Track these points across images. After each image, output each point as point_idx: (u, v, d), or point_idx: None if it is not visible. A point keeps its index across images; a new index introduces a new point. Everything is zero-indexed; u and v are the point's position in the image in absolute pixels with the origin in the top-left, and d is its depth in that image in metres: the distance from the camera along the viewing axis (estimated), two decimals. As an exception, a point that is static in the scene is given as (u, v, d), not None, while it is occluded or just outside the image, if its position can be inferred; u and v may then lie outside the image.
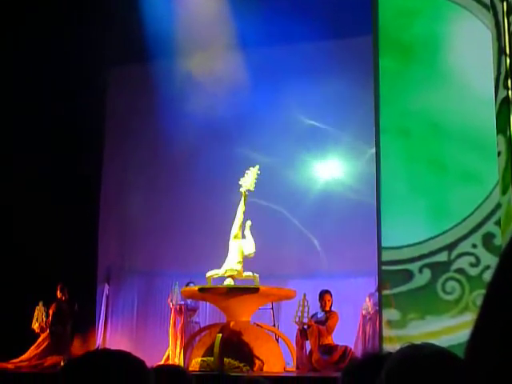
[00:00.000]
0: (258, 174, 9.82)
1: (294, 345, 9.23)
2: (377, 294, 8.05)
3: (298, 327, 9.11)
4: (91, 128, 12.15)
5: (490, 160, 6.41)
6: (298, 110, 12.15)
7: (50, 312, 10.43)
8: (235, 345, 8.78)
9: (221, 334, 8.76)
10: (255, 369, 8.62)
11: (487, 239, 6.55)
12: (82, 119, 11.75)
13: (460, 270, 6.61)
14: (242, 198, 9.80)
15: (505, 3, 6.40)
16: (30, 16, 11.79)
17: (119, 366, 1.49)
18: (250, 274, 9.56)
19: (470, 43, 6.92)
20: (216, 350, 8.62)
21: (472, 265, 6.57)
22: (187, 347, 9.88)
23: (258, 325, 9.57)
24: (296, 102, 12.03)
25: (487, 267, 6.44)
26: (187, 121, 11.79)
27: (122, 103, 13.02)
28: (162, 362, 9.47)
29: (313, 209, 11.82)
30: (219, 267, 9.65)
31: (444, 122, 6.90)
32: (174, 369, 2.93)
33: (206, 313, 11.86)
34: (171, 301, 10.70)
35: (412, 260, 6.76)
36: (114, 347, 1.71)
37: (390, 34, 7.28)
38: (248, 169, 9.95)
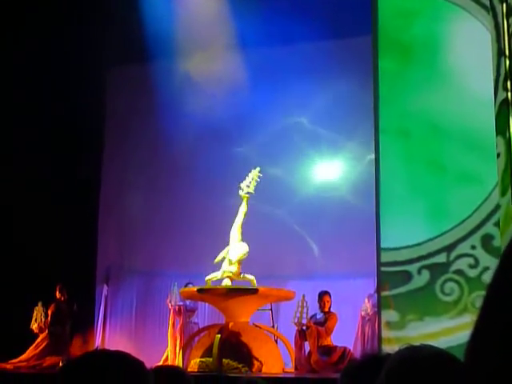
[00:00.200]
0: (259, 177, 9.81)
1: (293, 346, 9.22)
2: (376, 295, 8.05)
3: (296, 328, 9.11)
4: (91, 128, 12.15)
5: (489, 161, 6.42)
6: (298, 110, 12.15)
7: (49, 312, 10.43)
8: (234, 346, 8.78)
9: (220, 335, 8.76)
10: (254, 370, 8.62)
11: (486, 240, 6.55)
12: (81, 119, 11.76)
13: (459, 272, 6.61)
14: (244, 202, 9.77)
15: (504, 5, 6.40)
16: (29, 16, 11.79)
17: (118, 367, 1.49)
18: (247, 276, 9.55)
19: (469, 44, 6.93)
20: (215, 350, 8.61)
21: (471, 266, 6.57)
22: (186, 348, 9.87)
23: (256, 326, 9.57)
24: (295, 102, 12.04)
25: (486, 268, 6.44)
26: (187, 121, 11.79)
27: (122, 103, 13.02)
28: (161, 363, 9.47)
29: (312, 210, 11.82)
30: (219, 268, 9.66)
31: (443, 123, 6.90)
32: (173, 369, 2.93)
33: (205, 313, 11.85)
34: (170, 301, 10.70)
35: (411, 261, 6.76)
36: (112, 347, 1.70)
37: (390, 35, 7.29)
38: (248, 170, 9.94)
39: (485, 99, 6.53)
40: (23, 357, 10.15)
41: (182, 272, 11.43)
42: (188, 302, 10.70)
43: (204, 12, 11.81)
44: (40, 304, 10.53)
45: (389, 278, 6.85)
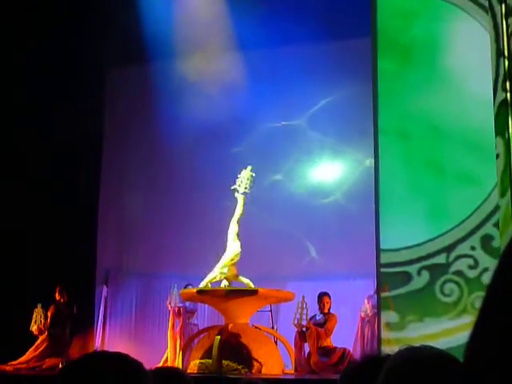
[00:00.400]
0: (252, 176, 9.80)
1: (293, 347, 9.22)
2: (375, 296, 8.05)
3: (296, 329, 9.10)
4: (90, 128, 12.15)
5: (488, 162, 6.42)
6: (297, 111, 12.15)
7: (49, 314, 10.42)
8: (234, 347, 8.77)
9: (219, 336, 8.75)
10: (254, 371, 8.61)
11: (486, 241, 6.55)
12: (81, 119, 11.77)
13: (458, 272, 6.61)
14: (240, 203, 9.76)
15: (503, 5, 6.40)
16: (29, 16, 11.80)
17: (117, 369, 1.49)
18: (243, 279, 9.55)
19: (468, 45, 6.93)
20: (214, 352, 8.61)
21: (470, 267, 6.57)
22: (186, 349, 9.86)
23: (256, 327, 9.56)
24: (294, 103, 12.04)
25: (486, 269, 6.44)
26: (186, 121, 11.78)
27: (122, 103, 13.02)
28: (161, 364, 9.46)
29: (312, 211, 11.82)
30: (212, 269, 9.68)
31: (443, 124, 6.90)
32: (173, 371, 2.93)
33: (205, 315, 11.85)
34: (170, 303, 10.69)
35: (410, 262, 6.76)
36: (112, 349, 1.70)
37: (389, 36, 7.29)
38: (240, 172, 9.93)
39: (484, 100, 6.53)
40: (23, 358, 10.14)
41: (182, 273, 11.42)
42: (188, 303, 10.70)
43: (203, 13, 11.81)
44: (39, 306, 10.52)
45: (388, 278, 6.85)
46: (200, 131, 11.83)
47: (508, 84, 6.22)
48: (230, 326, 8.98)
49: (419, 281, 6.70)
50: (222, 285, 9.51)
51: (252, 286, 9.48)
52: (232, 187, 9.78)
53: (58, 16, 11.65)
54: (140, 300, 12.82)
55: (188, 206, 12.21)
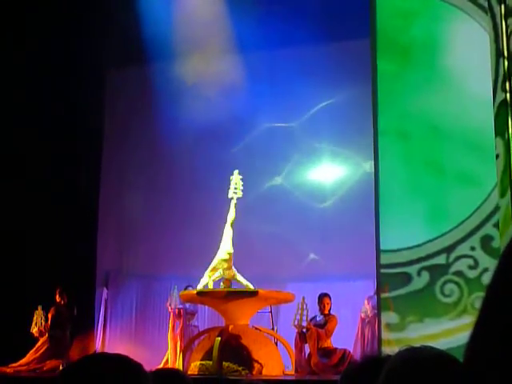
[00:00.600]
0: (241, 179, 9.81)
1: (293, 348, 9.22)
2: (375, 296, 8.05)
3: (296, 330, 9.10)
4: (90, 128, 12.16)
5: (488, 162, 6.42)
6: (296, 112, 12.15)
7: (49, 316, 10.42)
8: (234, 348, 8.77)
9: (220, 338, 8.75)
10: (254, 372, 8.61)
11: (486, 242, 6.55)
12: (81, 119, 11.78)
13: (458, 273, 6.60)
14: (232, 207, 9.77)
15: (502, 6, 6.41)
16: (29, 16, 11.80)
17: (117, 370, 1.49)
18: (242, 280, 9.56)
19: (467, 46, 6.93)
20: (215, 353, 8.61)
21: (470, 267, 6.57)
22: (186, 351, 9.86)
23: (256, 328, 9.56)
24: (294, 104, 12.04)
25: (486, 270, 6.44)
26: (186, 122, 11.79)
27: (122, 103, 13.03)
28: (161, 366, 9.46)
29: (312, 211, 11.82)
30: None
31: (442, 125, 6.90)
32: (173, 372, 2.93)
33: (205, 316, 11.85)
34: (170, 304, 10.69)
35: (410, 263, 6.76)
36: (112, 351, 1.70)
37: (388, 36, 7.29)
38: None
39: (484, 100, 6.53)
40: (23, 360, 10.14)
41: (182, 275, 11.42)
42: (188, 304, 10.69)
43: (202, 14, 11.82)
44: (40, 308, 10.52)
45: (388, 279, 6.85)
46: (200, 132, 11.84)
47: (508, 84, 6.22)
48: (231, 327, 8.98)
49: (419, 281, 6.70)
50: (221, 286, 9.51)
51: (251, 286, 9.48)
52: (229, 196, 9.81)
53: (58, 16, 11.66)
54: (140, 302, 12.82)
55: (188, 206, 12.21)
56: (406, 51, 7.19)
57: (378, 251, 6.94)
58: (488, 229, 6.55)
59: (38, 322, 10.42)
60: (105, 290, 12.79)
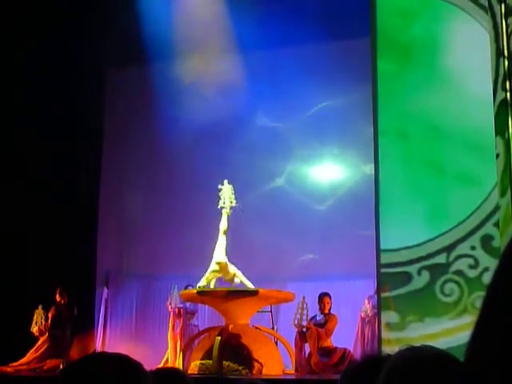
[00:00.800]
0: (232, 189, 9.82)
1: (293, 347, 9.22)
2: (376, 296, 8.05)
3: (296, 330, 9.10)
4: (91, 128, 12.16)
5: (488, 162, 6.42)
6: (296, 112, 12.15)
7: (49, 315, 10.42)
8: (234, 348, 8.77)
9: (220, 337, 8.75)
10: (254, 372, 8.61)
11: (486, 241, 6.55)
12: (81, 119, 11.77)
13: (459, 272, 6.60)
14: (225, 217, 9.77)
15: (503, 5, 6.40)
16: (29, 16, 11.80)
17: (116, 370, 1.49)
18: (244, 280, 9.56)
19: (468, 45, 6.93)
20: (215, 352, 8.61)
21: (471, 267, 6.57)
22: (186, 350, 9.86)
23: (256, 327, 9.56)
24: (294, 104, 12.03)
25: (486, 269, 6.44)
26: (186, 122, 11.78)
27: (122, 103, 13.03)
28: (161, 365, 9.46)
29: (312, 210, 11.82)
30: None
31: (442, 124, 6.90)
32: (173, 372, 2.93)
33: (205, 316, 11.85)
34: (170, 304, 10.69)
35: (411, 262, 6.76)
36: (112, 351, 1.71)
37: (389, 36, 7.29)
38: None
39: (484, 100, 6.53)
40: (24, 360, 10.14)
41: (182, 274, 11.42)
42: (188, 304, 10.69)
43: (202, 14, 11.82)
44: (40, 307, 10.52)
45: (389, 279, 6.85)
46: (200, 131, 11.83)
47: (508, 84, 6.22)
48: (231, 326, 8.98)
49: (419, 281, 6.70)
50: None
51: (251, 286, 9.48)
52: (219, 206, 9.81)
53: (58, 16, 11.66)
54: (140, 301, 12.82)
55: (188, 206, 12.21)
56: (406, 51, 7.19)
57: (378, 251, 6.95)
58: (488, 228, 6.55)
59: (39, 322, 10.42)
60: (105, 290, 12.80)
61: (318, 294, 9.51)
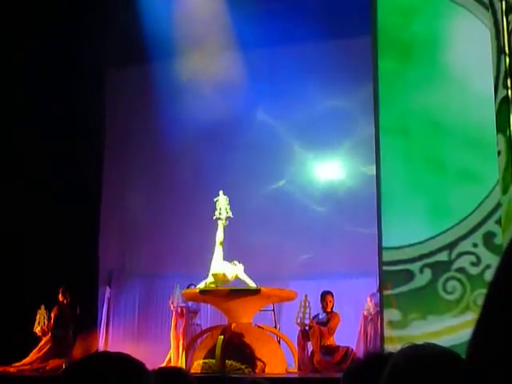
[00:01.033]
0: (227, 200, 9.83)
1: (296, 346, 9.22)
2: (378, 294, 8.04)
3: (299, 328, 9.10)
4: (92, 129, 12.16)
5: (490, 159, 6.41)
6: (296, 112, 12.14)
7: (52, 315, 10.43)
8: (237, 347, 8.78)
9: (222, 336, 8.76)
10: (257, 370, 8.62)
11: (488, 238, 6.55)
12: (81, 119, 11.77)
13: (461, 270, 6.60)
14: (220, 228, 9.78)
15: (503, 2, 6.39)
16: (29, 16, 11.80)
17: (119, 369, 1.49)
18: (247, 279, 9.58)
19: (469, 42, 6.92)
20: (218, 351, 8.61)
21: (473, 264, 6.57)
22: (189, 349, 9.87)
23: (259, 326, 9.57)
24: (294, 103, 12.03)
25: (488, 266, 6.44)
26: (187, 121, 11.78)
27: (122, 104, 13.03)
28: (164, 365, 9.46)
29: (312, 210, 11.82)
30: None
31: (444, 122, 6.89)
32: (176, 371, 2.93)
33: (208, 315, 11.85)
34: (172, 303, 10.69)
35: (413, 260, 6.75)
36: (115, 350, 1.71)
37: (389, 33, 7.28)
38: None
39: (485, 97, 6.52)
40: (26, 360, 10.15)
41: (184, 273, 11.42)
42: (190, 303, 10.69)
43: (202, 13, 11.82)
44: (43, 307, 10.53)
45: (391, 276, 6.84)
46: (200, 131, 11.83)
47: (509, 81, 6.21)
48: (233, 325, 8.99)
49: (422, 278, 6.69)
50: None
51: (253, 284, 9.48)
52: (214, 217, 9.82)
53: (58, 16, 11.66)
54: (143, 301, 12.83)
55: (190, 206, 12.20)
56: (406, 48, 7.18)
57: (380, 248, 6.94)
58: (490, 225, 6.54)
59: (41, 322, 10.43)
60: (108, 289, 12.80)
61: (320, 293, 9.51)
